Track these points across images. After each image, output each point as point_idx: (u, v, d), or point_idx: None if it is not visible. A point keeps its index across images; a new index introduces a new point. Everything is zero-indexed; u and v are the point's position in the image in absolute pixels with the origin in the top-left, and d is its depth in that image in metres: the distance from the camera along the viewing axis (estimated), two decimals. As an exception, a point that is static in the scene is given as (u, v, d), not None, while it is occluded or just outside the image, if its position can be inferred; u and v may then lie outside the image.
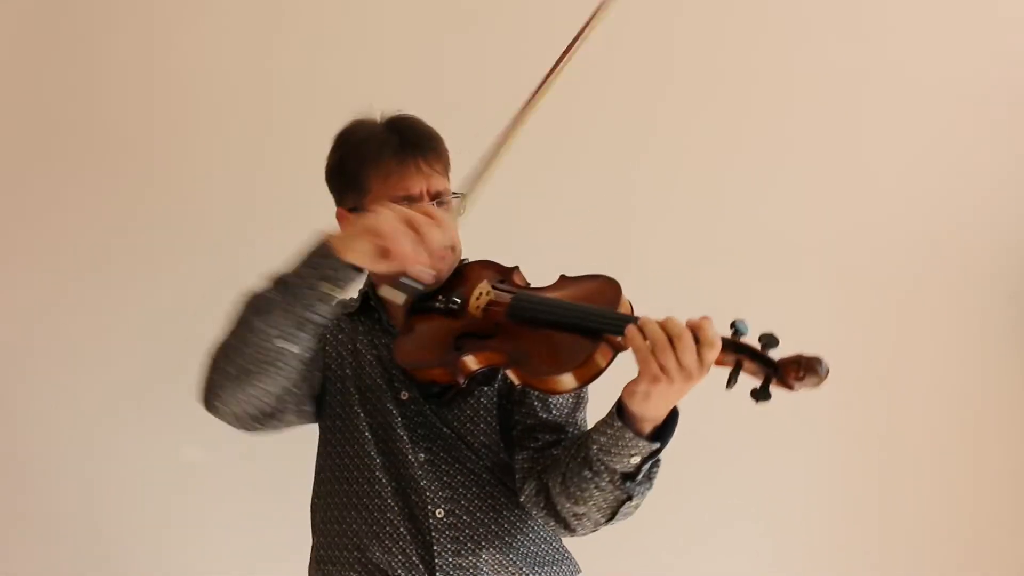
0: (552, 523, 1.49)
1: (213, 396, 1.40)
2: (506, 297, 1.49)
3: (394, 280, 1.41)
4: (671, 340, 1.26)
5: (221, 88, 2.58)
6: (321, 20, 2.60)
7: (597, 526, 1.46)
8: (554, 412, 1.56)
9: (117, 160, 2.55)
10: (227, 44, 2.56)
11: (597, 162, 2.65)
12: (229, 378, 1.37)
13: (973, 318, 2.75)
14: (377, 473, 1.55)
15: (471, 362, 1.45)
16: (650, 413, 1.31)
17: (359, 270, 1.33)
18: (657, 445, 1.34)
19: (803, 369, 1.25)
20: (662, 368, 1.26)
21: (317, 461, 1.66)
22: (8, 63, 2.52)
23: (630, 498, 1.39)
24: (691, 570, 2.62)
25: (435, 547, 1.51)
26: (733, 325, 1.29)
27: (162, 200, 2.55)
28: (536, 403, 1.56)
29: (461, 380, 1.47)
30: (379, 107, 1.63)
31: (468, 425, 1.55)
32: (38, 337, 2.51)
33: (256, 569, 2.56)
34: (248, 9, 2.58)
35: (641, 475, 1.38)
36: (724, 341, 1.28)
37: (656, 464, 1.39)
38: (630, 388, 1.32)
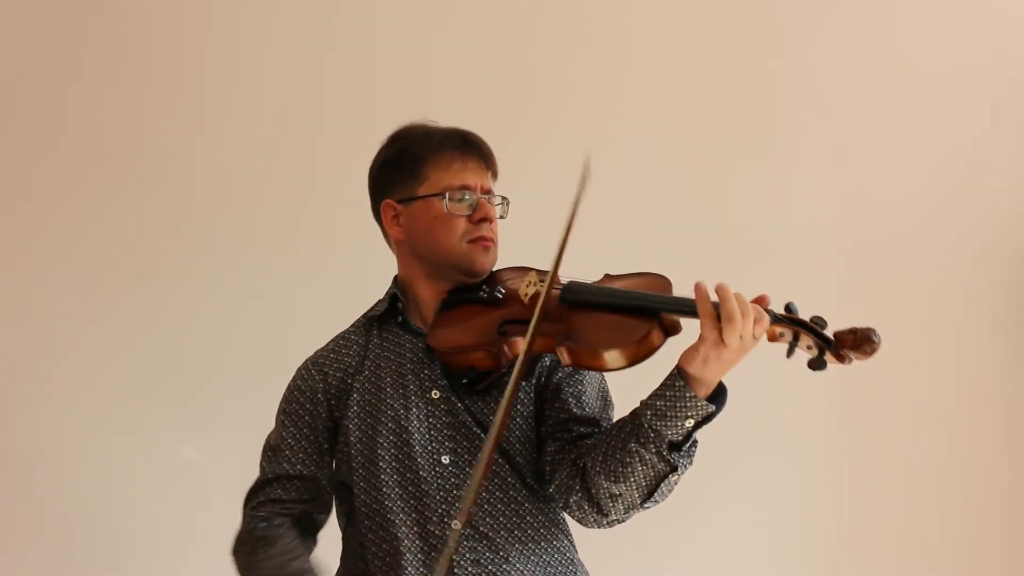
0: (585, 507, 1.50)
1: None
2: (557, 284, 1.54)
3: None
4: (740, 309, 1.35)
5: (199, 85, 2.60)
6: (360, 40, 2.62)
7: (629, 510, 1.49)
8: (587, 409, 1.59)
9: (117, 163, 2.57)
10: (256, 61, 2.59)
11: (610, 163, 2.65)
12: None
13: (972, 318, 2.77)
14: (384, 490, 1.55)
15: (519, 344, 1.48)
16: (707, 376, 1.39)
17: None
18: (713, 408, 1.41)
19: (859, 338, 1.35)
20: (721, 333, 1.35)
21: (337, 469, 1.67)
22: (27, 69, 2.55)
23: (674, 470, 1.43)
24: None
25: (454, 557, 1.51)
26: (787, 306, 1.40)
27: (162, 203, 2.56)
28: (570, 399, 1.59)
29: (504, 364, 1.51)
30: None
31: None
32: (38, 338, 2.52)
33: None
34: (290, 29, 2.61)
35: (687, 445, 1.43)
36: (781, 316, 1.39)
37: (695, 443, 1.45)
38: (690, 351, 1.40)
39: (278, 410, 1.68)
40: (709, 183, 2.69)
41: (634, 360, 1.43)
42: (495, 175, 1.68)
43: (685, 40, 2.70)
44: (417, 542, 1.53)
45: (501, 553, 1.53)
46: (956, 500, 2.76)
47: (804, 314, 1.40)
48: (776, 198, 2.71)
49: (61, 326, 2.52)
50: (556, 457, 1.55)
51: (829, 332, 1.39)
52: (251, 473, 1.67)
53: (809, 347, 1.39)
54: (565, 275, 1.59)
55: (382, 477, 1.55)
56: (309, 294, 2.51)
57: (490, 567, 1.53)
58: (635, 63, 2.68)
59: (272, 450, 1.65)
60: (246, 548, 1.60)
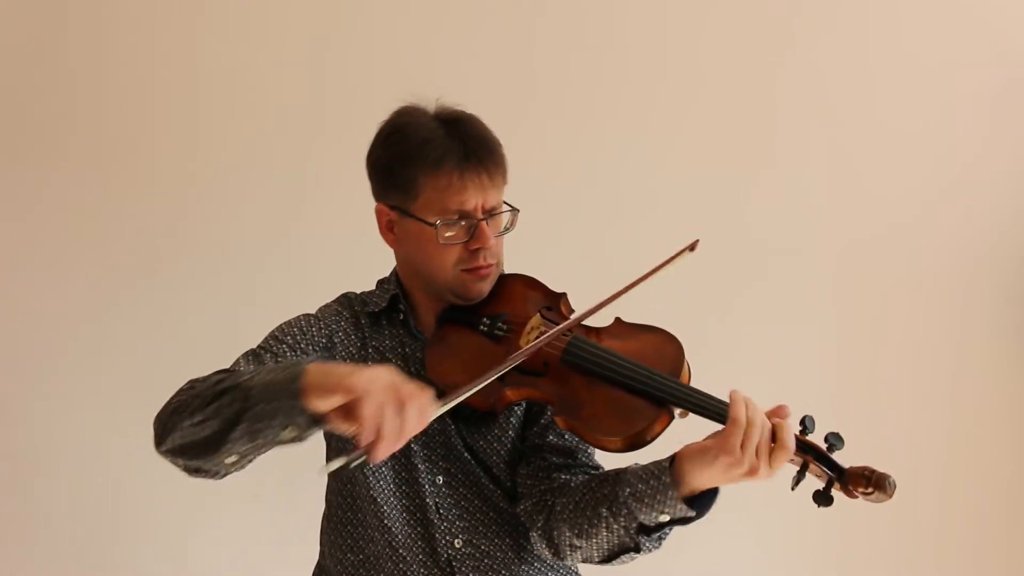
0: (542, 545, 1.48)
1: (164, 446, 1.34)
2: (560, 338, 1.44)
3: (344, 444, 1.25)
4: (767, 430, 1.27)
5: (205, 79, 2.59)
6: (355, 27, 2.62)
7: (586, 562, 1.46)
8: (567, 437, 1.54)
9: (115, 160, 2.56)
10: (256, 52, 2.58)
11: (604, 168, 2.66)
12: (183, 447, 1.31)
13: (972, 319, 2.77)
14: (392, 499, 1.53)
15: (513, 395, 1.44)
16: (703, 477, 1.31)
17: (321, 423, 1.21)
18: (692, 514, 1.34)
19: (872, 485, 1.28)
20: (743, 448, 1.27)
21: (328, 481, 1.63)
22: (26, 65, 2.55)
23: (637, 549, 1.38)
24: None
25: None
26: (803, 422, 1.32)
27: (162, 202, 2.56)
28: (551, 425, 1.54)
29: (499, 410, 1.47)
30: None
31: (496, 445, 1.54)
32: (38, 338, 2.52)
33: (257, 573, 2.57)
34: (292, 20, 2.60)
35: (657, 533, 1.38)
36: (795, 440, 1.30)
37: (669, 531, 1.39)
38: (698, 446, 1.32)
39: (267, 335, 1.57)
40: (708, 183, 2.69)
41: (633, 447, 1.37)
42: (504, 177, 1.54)
43: (685, 40, 2.70)
44: (420, 556, 1.52)
45: (504, 572, 1.53)
46: (956, 501, 2.76)
47: (819, 429, 1.32)
48: (776, 198, 2.72)
49: (61, 326, 2.52)
50: (527, 482, 1.52)
51: (843, 456, 1.31)
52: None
53: (818, 476, 1.32)
54: (574, 303, 1.54)
55: (388, 487, 1.53)
56: (310, 294, 2.50)
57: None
58: (636, 64, 2.68)
59: (253, 355, 1.53)
60: (186, 386, 1.37)
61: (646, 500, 1.34)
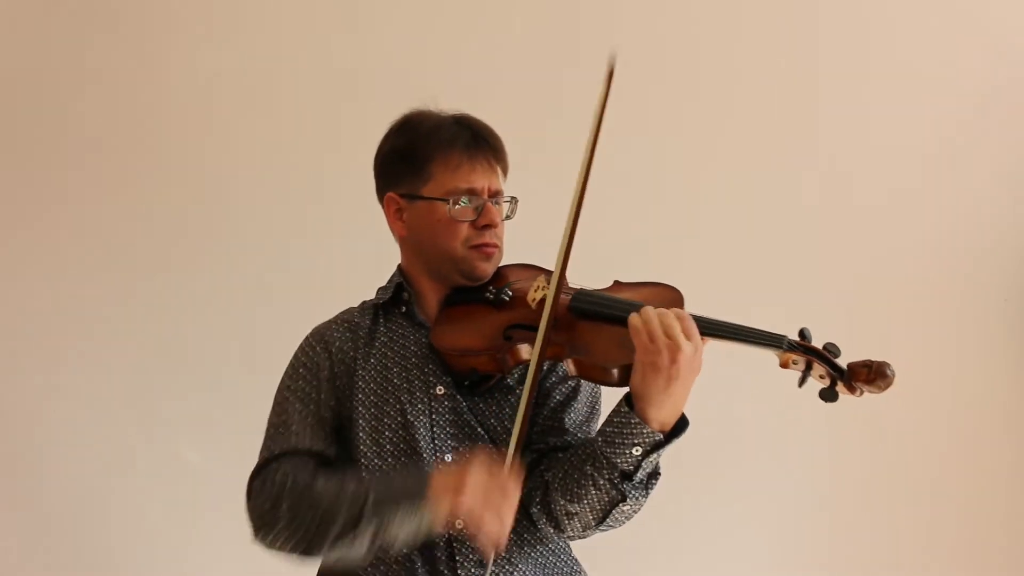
0: (543, 521, 1.51)
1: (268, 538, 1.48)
2: (566, 293, 1.51)
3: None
4: (655, 318, 1.36)
5: (229, 89, 2.60)
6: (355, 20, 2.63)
7: (586, 529, 1.49)
8: (568, 419, 1.58)
9: (119, 160, 2.57)
10: (248, 47, 2.60)
11: (606, 163, 2.66)
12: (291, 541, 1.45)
13: (972, 319, 2.77)
14: None
15: (524, 351, 1.48)
16: (653, 399, 1.36)
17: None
18: (660, 437, 1.38)
19: (874, 372, 1.34)
20: (650, 341, 1.34)
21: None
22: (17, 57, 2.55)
23: (624, 499, 1.42)
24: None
25: (457, 558, 1.51)
26: (801, 332, 1.39)
27: (164, 202, 2.57)
28: (556, 409, 1.58)
29: (508, 370, 1.50)
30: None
31: (506, 423, 1.55)
32: (38, 337, 2.52)
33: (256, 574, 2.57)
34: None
35: (639, 476, 1.41)
36: (795, 344, 1.38)
37: (655, 476, 1.44)
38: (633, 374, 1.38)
39: (279, 389, 1.61)
40: (709, 184, 2.69)
41: None
42: (505, 171, 1.63)
43: (685, 40, 2.71)
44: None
45: (504, 555, 1.52)
46: (955, 501, 2.76)
47: (817, 340, 1.38)
48: (775, 198, 2.72)
49: (62, 326, 2.53)
50: (529, 466, 1.54)
51: (843, 361, 1.36)
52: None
53: (822, 376, 1.38)
54: (574, 282, 1.57)
55: (388, 472, 1.53)
56: (311, 295, 2.50)
57: (493, 568, 1.51)
58: (637, 71, 2.68)
59: (277, 428, 1.56)
60: (287, 502, 1.46)
61: (616, 440, 1.39)
